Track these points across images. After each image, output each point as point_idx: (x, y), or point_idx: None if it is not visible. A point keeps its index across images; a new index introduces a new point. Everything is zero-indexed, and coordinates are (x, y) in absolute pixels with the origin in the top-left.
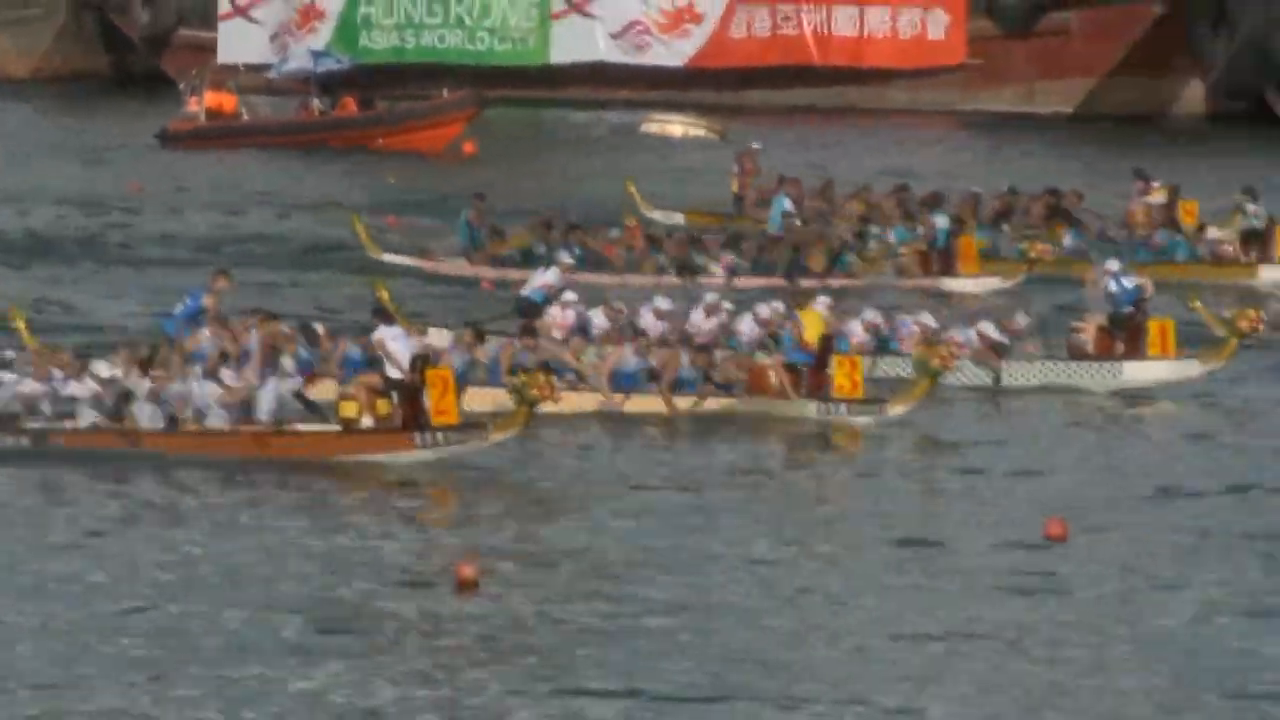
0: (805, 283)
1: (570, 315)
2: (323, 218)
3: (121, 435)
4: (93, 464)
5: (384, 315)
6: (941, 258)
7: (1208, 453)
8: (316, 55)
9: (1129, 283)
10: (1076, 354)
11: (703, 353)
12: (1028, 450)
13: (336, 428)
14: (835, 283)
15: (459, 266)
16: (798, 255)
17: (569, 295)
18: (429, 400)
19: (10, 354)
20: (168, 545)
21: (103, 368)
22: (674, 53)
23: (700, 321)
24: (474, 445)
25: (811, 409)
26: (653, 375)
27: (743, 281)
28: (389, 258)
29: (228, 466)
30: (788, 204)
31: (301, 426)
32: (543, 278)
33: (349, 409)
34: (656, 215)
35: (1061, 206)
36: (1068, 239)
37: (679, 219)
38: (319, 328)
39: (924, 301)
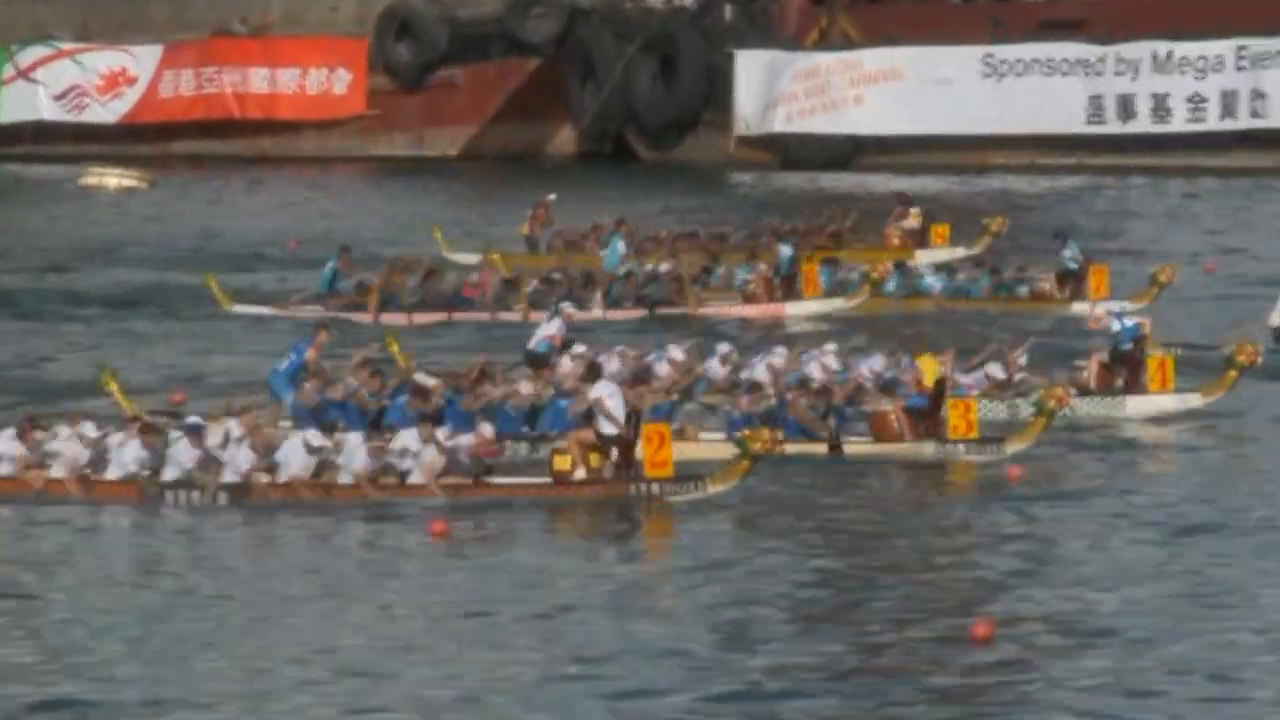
0: (665, 312)
1: (581, 366)
2: None
3: (324, 488)
4: (298, 515)
5: (595, 370)
6: (786, 284)
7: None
8: None
9: (1129, 321)
10: (1079, 389)
11: (822, 397)
12: (1131, 476)
13: (546, 480)
14: (690, 312)
15: (316, 313)
16: (656, 290)
17: (579, 348)
18: (644, 453)
19: (196, 419)
20: (412, 596)
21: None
22: (110, 111)
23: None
24: (690, 497)
25: (929, 450)
26: (769, 420)
27: (610, 314)
28: (240, 308)
29: (442, 514)
30: (622, 245)
31: (514, 480)
32: (547, 329)
33: (563, 463)
34: (457, 257)
35: (841, 234)
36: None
37: (475, 259)
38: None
39: (773, 332)
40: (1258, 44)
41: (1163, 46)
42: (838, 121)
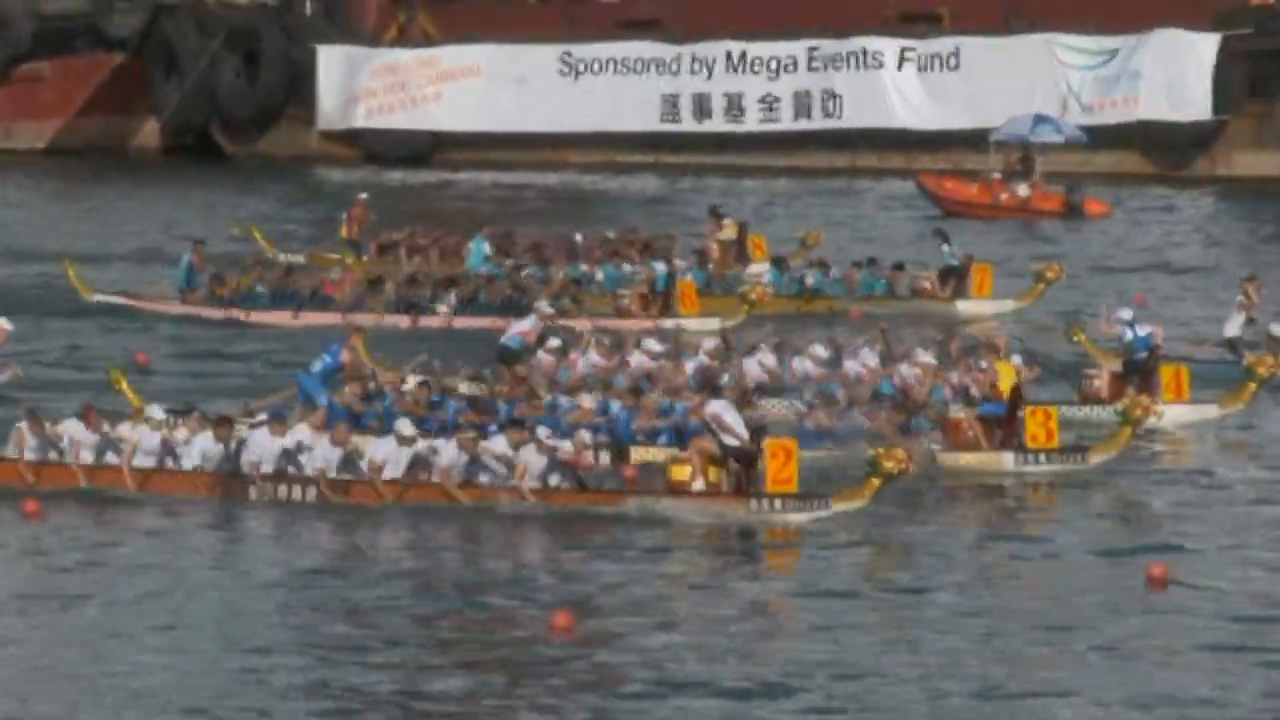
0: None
1: (554, 360)
2: None
3: (415, 489)
4: (398, 516)
5: (713, 385)
6: (663, 299)
7: None
8: None
9: (1142, 330)
10: (1091, 399)
11: (900, 410)
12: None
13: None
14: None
15: (173, 306)
16: (518, 296)
17: (554, 341)
18: (768, 468)
19: (261, 415)
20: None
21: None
22: None
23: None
24: (813, 515)
25: (1009, 460)
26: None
27: (460, 321)
28: (99, 298)
29: (554, 520)
30: (487, 247)
31: (620, 488)
32: (520, 325)
33: (681, 473)
34: (282, 257)
35: (652, 247)
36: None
37: (301, 260)
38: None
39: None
40: (829, 45)
41: (736, 46)
42: (417, 118)
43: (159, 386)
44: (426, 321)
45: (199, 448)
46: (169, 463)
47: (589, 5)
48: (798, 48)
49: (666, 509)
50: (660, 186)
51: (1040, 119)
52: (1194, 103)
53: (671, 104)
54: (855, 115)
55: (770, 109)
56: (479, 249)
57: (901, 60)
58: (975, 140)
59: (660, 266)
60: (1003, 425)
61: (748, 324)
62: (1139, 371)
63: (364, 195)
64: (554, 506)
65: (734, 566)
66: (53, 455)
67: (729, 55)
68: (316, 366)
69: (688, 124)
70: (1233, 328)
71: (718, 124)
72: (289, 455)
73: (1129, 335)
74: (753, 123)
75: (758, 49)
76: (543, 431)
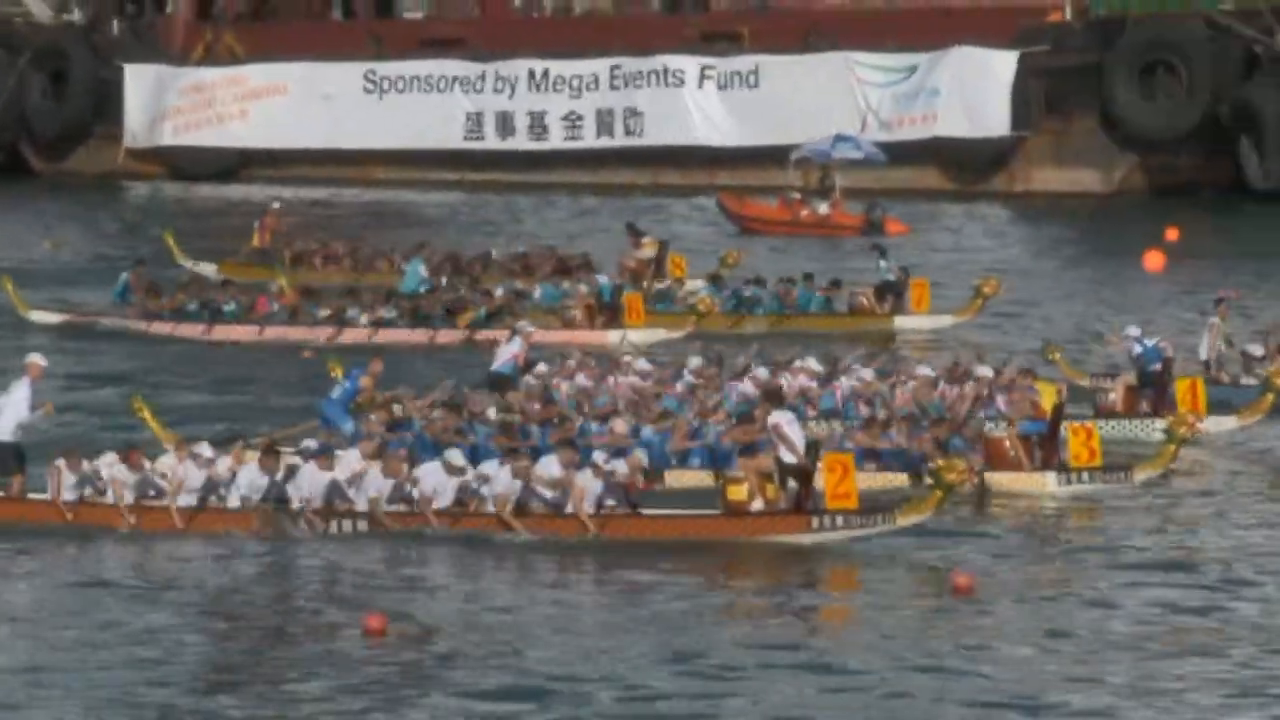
0: (449, 336)
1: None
2: None
3: (464, 517)
4: (447, 545)
5: (775, 398)
6: (609, 311)
7: None
8: None
9: (1151, 342)
10: (1106, 414)
11: (945, 427)
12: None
13: (715, 512)
14: (482, 336)
15: (111, 322)
16: (450, 311)
17: (541, 367)
18: (826, 484)
19: (311, 444)
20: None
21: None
22: None
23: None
24: (877, 530)
25: (1050, 480)
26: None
27: (386, 335)
28: (37, 315)
29: (605, 549)
30: (423, 268)
31: (677, 511)
32: (510, 349)
33: (738, 492)
34: (191, 266)
35: (568, 265)
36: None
37: (212, 269)
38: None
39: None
40: (631, 63)
41: (539, 65)
42: (224, 135)
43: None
44: (353, 335)
45: (245, 480)
46: (214, 499)
47: (394, 24)
48: (600, 66)
49: (723, 534)
50: (468, 202)
51: (840, 137)
52: (992, 119)
53: (476, 121)
54: (657, 133)
55: (573, 126)
56: (415, 270)
57: (702, 78)
58: (776, 157)
59: (603, 279)
60: (1044, 444)
61: (690, 338)
62: (1153, 384)
63: (276, 205)
64: (615, 535)
65: (788, 587)
66: (90, 493)
67: (532, 73)
68: (336, 393)
69: (491, 141)
70: (1205, 349)
71: (521, 141)
72: (338, 488)
73: (1138, 349)
74: (556, 140)
75: (560, 67)
76: (599, 455)
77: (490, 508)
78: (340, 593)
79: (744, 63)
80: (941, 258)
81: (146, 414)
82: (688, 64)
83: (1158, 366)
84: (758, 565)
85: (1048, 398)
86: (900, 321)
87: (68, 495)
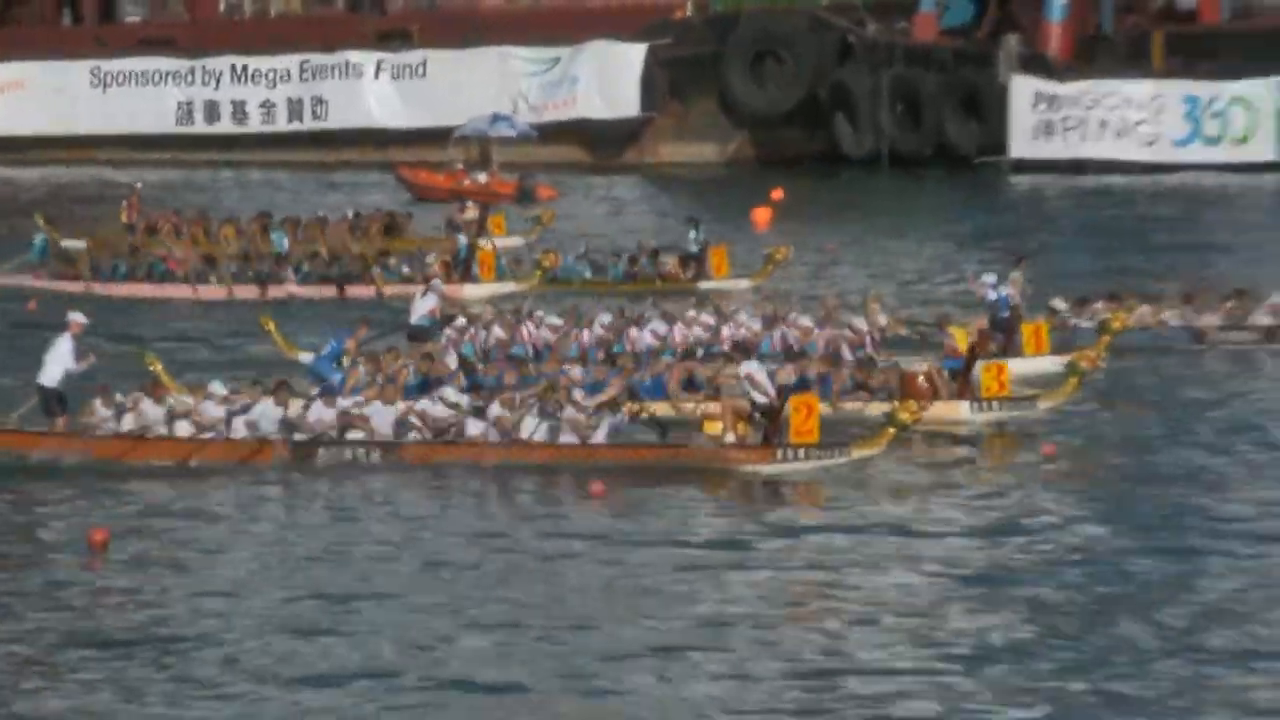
0: (355, 291)
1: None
2: None
3: (468, 448)
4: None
5: (745, 349)
6: (464, 267)
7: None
8: None
9: (1003, 291)
10: (953, 356)
11: (863, 366)
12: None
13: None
14: (386, 291)
15: (22, 280)
16: (350, 270)
17: (460, 321)
18: (791, 422)
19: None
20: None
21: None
22: None
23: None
24: (833, 461)
25: (965, 409)
26: (807, 385)
27: (303, 291)
28: None
29: (597, 473)
30: (286, 240)
31: (645, 441)
32: (426, 304)
33: (713, 427)
34: (66, 243)
35: (395, 223)
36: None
37: (83, 245)
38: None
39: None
40: (318, 59)
41: (240, 61)
42: None
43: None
44: (275, 291)
45: (266, 415)
46: (236, 431)
47: (116, 27)
48: (291, 61)
49: (711, 458)
50: (182, 177)
51: (496, 118)
52: (625, 102)
53: (186, 109)
54: (339, 117)
55: (269, 113)
56: (280, 238)
57: (378, 71)
58: (441, 136)
59: (461, 239)
60: (958, 378)
61: (535, 294)
62: (1003, 328)
63: (139, 185)
64: (606, 461)
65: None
66: (123, 427)
67: (234, 68)
68: (325, 350)
69: (199, 126)
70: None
71: (225, 126)
72: (348, 419)
73: (992, 296)
74: (254, 125)
75: (258, 63)
76: (578, 393)
77: (492, 437)
78: (360, 518)
79: (414, 57)
80: (592, 220)
81: (158, 367)
82: (366, 59)
83: (1007, 313)
84: (728, 491)
85: (962, 340)
86: (704, 286)
87: (103, 429)
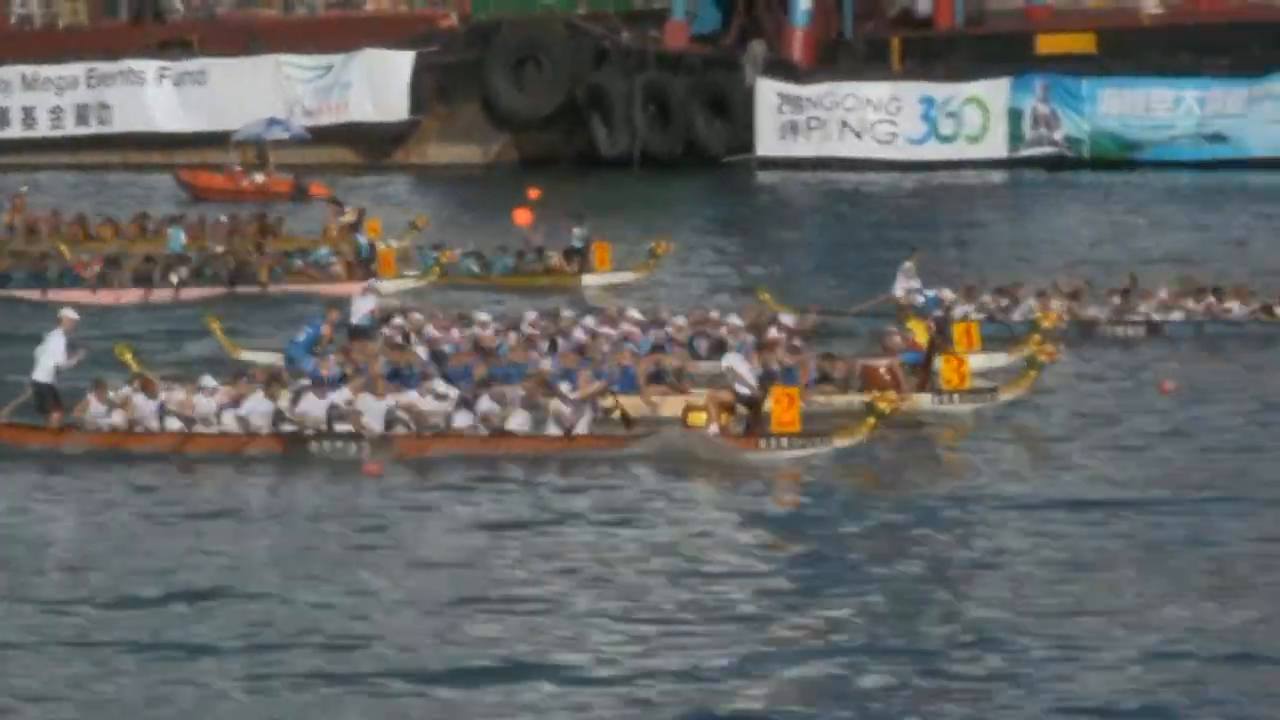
0: (246, 290)
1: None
2: None
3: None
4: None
5: (722, 344)
6: (365, 266)
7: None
8: None
9: (931, 292)
10: (893, 351)
11: (827, 358)
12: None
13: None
14: (275, 289)
15: None
16: (240, 270)
17: (397, 320)
18: (773, 412)
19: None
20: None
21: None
22: None
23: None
24: (815, 450)
25: (926, 400)
26: (772, 378)
27: (188, 292)
28: None
29: (588, 461)
30: (183, 236)
31: (628, 432)
32: (366, 304)
33: (697, 419)
34: None
35: (268, 225)
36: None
37: None
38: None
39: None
40: (103, 67)
41: (30, 70)
42: None
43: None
44: (160, 294)
45: (256, 408)
46: (227, 425)
47: None
48: (79, 69)
49: (684, 446)
50: None
51: (272, 122)
52: (393, 107)
53: None
54: (123, 122)
55: (57, 118)
56: (177, 236)
57: (160, 78)
58: (220, 140)
59: (362, 239)
60: (918, 371)
61: (433, 289)
62: (939, 328)
63: (24, 188)
64: (594, 450)
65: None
66: (117, 421)
67: (24, 76)
68: (301, 337)
69: None
70: (898, 290)
71: (15, 131)
72: (338, 412)
73: (921, 299)
74: (44, 129)
75: (47, 71)
76: (565, 385)
77: (480, 430)
78: (351, 509)
79: (194, 65)
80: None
81: (129, 358)
82: (148, 66)
83: (939, 312)
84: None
85: (921, 334)
86: (588, 279)
87: (98, 424)
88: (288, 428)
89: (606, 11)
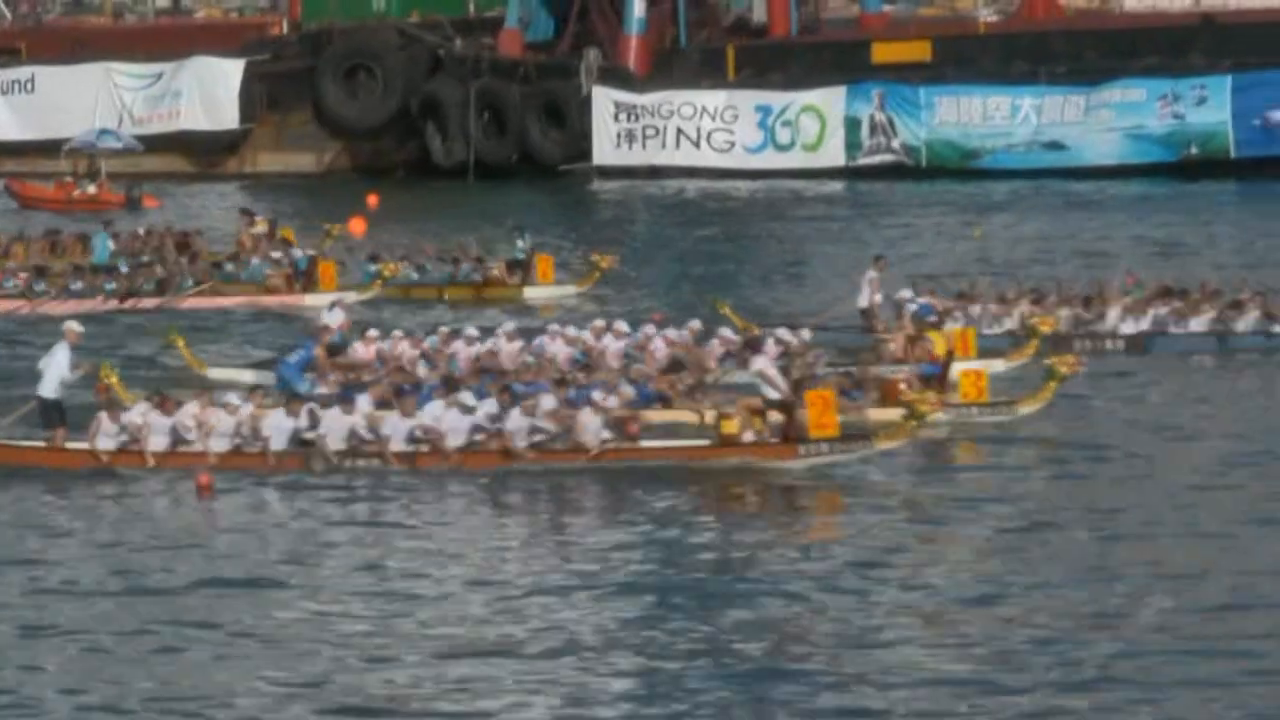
0: (174, 303)
1: (373, 350)
2: None
3: (503, 454)
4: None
5: (754, 345)
6: (305, 278)
7: None
8: None
9: (923, 300)
10: (888, 360)
11: (848, 374)
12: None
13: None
14: (207, 303)
15: None
16: (169, 281)
17: (372, 332)
18: (810, 416)
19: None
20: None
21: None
22: None
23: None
24: (859, 454)
25: (942, 414)
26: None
27: (111, 303)
28: None
29: (609, 476)
30: (111, 243)
31: (684, 442)
32: (335, 319)
33: (730, 426)
34: None
35: (189, 244)
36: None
37: None
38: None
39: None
40: None
41: None
42: None
43: None
44: (89, 305)
45: (279, 425)
46: (246, 444)
47: None
48: None
49: (717, 461)
50: None
51: (103, 131)
52: (224, 114)
53: None
54: None
55: None
56: (103, 244)
57: None
58: (51, 149)
59: (297, 253)
60: (934, 384)
61: (376, 300)
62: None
63: None
64: (619, 463)
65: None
66: (127, 441)
67: None
68: (293, 358)
69: None
70: (864, 299)
71: None
72: (359, 430)
73: (913, 307)
74: None
75: None
76: (596, 394)
77: (513, 444)
78: (371, 525)
79: (22, 73)
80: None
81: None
82: None
83: (932, 320)
84: (750, 489)
85: (940, 346)
86: (530, 292)
87: (106, 444)
88: (310, 446)
89: (440, 19)
